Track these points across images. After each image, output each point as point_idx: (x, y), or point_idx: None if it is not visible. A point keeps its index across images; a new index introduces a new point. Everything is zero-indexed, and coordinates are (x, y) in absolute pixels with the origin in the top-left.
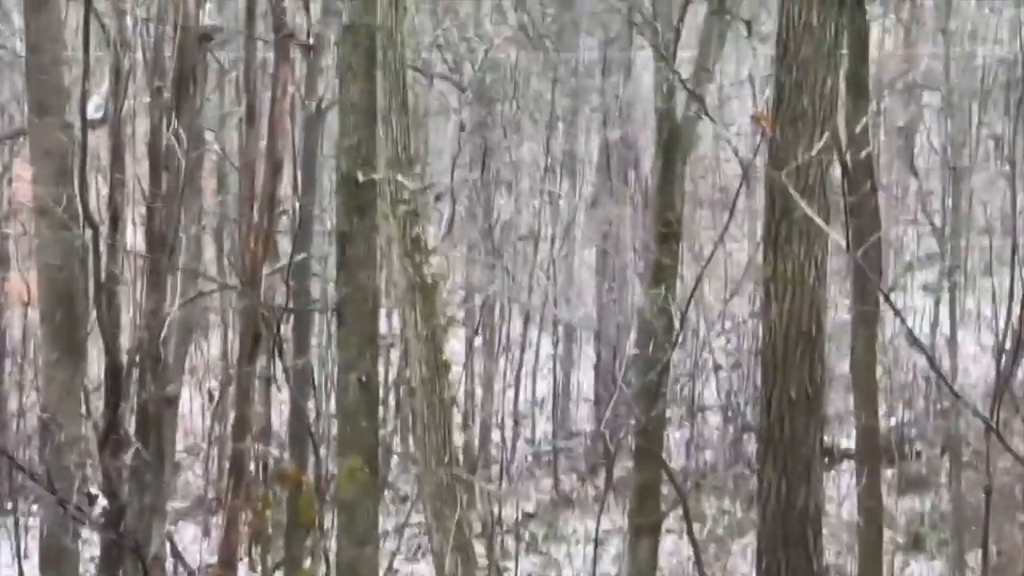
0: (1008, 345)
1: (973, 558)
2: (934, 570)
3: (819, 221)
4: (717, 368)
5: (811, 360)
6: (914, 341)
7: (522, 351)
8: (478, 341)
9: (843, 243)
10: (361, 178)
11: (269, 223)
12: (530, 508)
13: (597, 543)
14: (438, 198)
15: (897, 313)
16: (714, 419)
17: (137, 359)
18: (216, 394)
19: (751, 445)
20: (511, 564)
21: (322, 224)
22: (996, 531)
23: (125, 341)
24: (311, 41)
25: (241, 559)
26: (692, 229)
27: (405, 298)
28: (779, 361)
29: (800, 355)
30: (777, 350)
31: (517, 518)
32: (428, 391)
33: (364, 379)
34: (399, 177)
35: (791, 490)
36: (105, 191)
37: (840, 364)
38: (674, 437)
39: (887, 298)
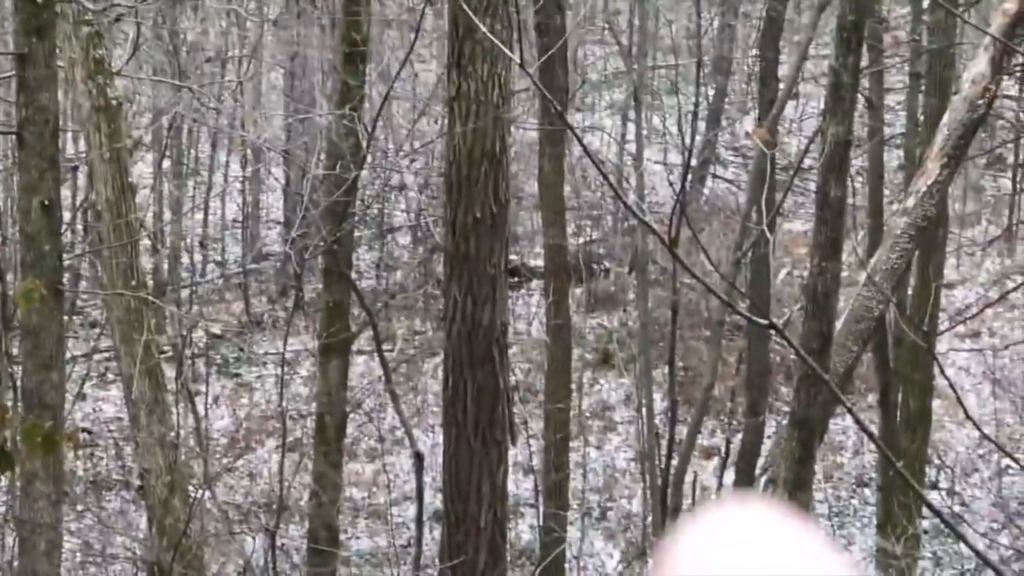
0: (692, 163)
1: (660, 374)
2: (622, 386)
3: (496, 42)
4: (402, 188)
5: (495, 180)
6: (595, 164)
7: (210, 173)
8: (166, 164)
9: (517, 61)
10: None
11: None
12: (219, 331)
13: (284, 364)
14: (118, 19)
15: (576, 136)
16: (404, 240)
17: None
18: None
19: (441, 265)
20: (202, 387)
21: (4, 46)
22: (682, 347)
23: None
24: None
25: None
26: (380, 50)
27: (89, 120)
28: (463, 181)
29: (484, 174)
30: (461, 170)
31: (207, 341)
32: (114, 214)
33: (47, 203)
34: None
35: (477, 309)
36: None
37: (530, 182)
38: (364, 258)
39: (564, 120)
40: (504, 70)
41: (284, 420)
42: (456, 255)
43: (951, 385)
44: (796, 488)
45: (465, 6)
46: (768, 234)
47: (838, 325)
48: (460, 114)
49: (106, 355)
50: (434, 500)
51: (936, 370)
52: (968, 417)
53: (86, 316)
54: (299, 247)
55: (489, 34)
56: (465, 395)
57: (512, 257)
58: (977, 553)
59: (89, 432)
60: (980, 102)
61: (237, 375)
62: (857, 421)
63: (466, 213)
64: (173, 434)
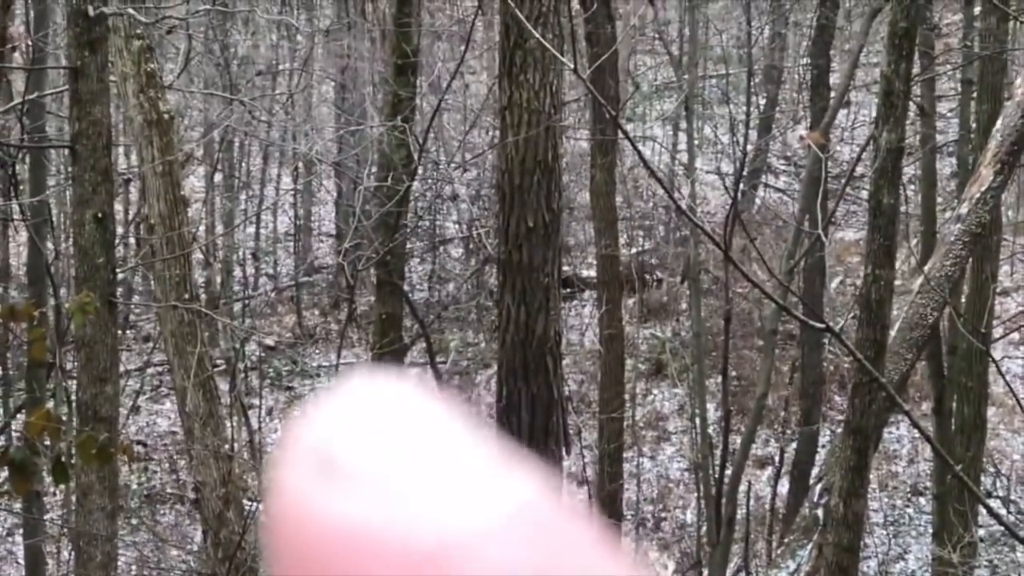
0: (744, 172)
1: (713, 384)
2: (675, 396)
3: (551, 49)
4: (454, 198)
5: (548, 189)
6: (649, 170)
7: (262, 186)
8: (218, 177)
9: (571, 67)
10: (92, 12)
11: (0, 61)
12: (272, 343)
13: (333, 376)
14: (169, 31)
15: (629, 140)
16: (456, 251)
17: None
18: None
19: (493, 276)
20: (256, 400)
21: (56, 61)
22: (735, 357)
23: None
24: None
25: None
26: (430, 61)
27: (141, 134)
28: (516, 190)
29: (537, 184)
30: (514, 179)
31: (260, 354)
32: (166, 227)
33: (100, 215)
34: (131, 11)
35: (530, 319)
36: None
37: (582, 194)
38: (416, 270)
39: (618, 125)
40: (555, 79)
41: None
42: (509, 264)
43: (1010, 388)
44: (851, 496)
45: (509, 16)
46: (823, 239)
47: (892, 333)
48: (512, 123)
49: (160, 368)
50: None
51: (990, 378)
52: None
53: (139, 330)
54: (351, 259)
55: (542, 40)
56: (519, 405)
57: (565, 267)
58: None
59: (144, 445)
60: None
61: (291, 388)
62: (914, 423)
63: (519, 222)
64: (227, 447)
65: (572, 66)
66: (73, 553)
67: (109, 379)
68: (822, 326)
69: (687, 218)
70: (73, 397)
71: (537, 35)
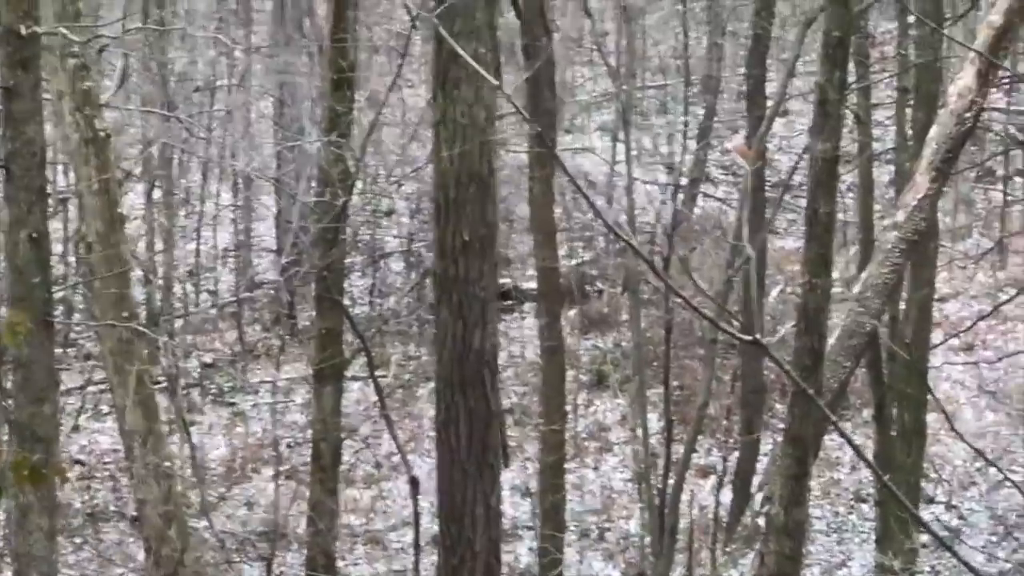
0: (683, 182)
1: (655, 394)
2: (618, 407)
3: (476, 66)
4: (390, 213)
5: (483, 202)
6: (574, 184)
7: (202, 203)
8: (157, 194)
9: (495, 84)
10: (24, 31)
11: None
12: (211, 360)
13: (275, 391)
14: (102, 50)
15: (553, 155)
16: (397, 265)
17: None
18: None
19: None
20: (198, 417)
21: None
22: (677, 367)
23: None
24: None
25: None
26: (368, 76)
27: (78, 152)
28: (451, 204)
29: (472, 197)
30: (449, 193)
31: (201, 371)
32: (104, 246)
33: (35, 235)
34: (63, 30)
35: (467, 332)
36: None
37: (521, 205)
38: (357, 284)
39: (542, 139)
40: (490, 94)
41: (277, 448)
42: (446, 278)
43: (937, 401)
44: (791, 505)
45: (445, 32)
46: (751, 251)
47: (831, 341)
48: (446, 138)
49: (101, 387)
50: (432, 525)
51: (930, 383)
52: (956, 432)
53: (81, 348)
54: (288, 275)
55: (470, 59)
56: (457, 418)
57: (505, 280)
58: (970, 567)
59: (82, 464)
60: (967, 115)
61: (232, 404)
62: (841, 434)
63: (454, 236)
64: (168, 464)
65: (497, 84)
66: (12, 574)
67: (47, 399)
68: (749, 339)
69: (617, 235)
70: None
71: (466, 55)
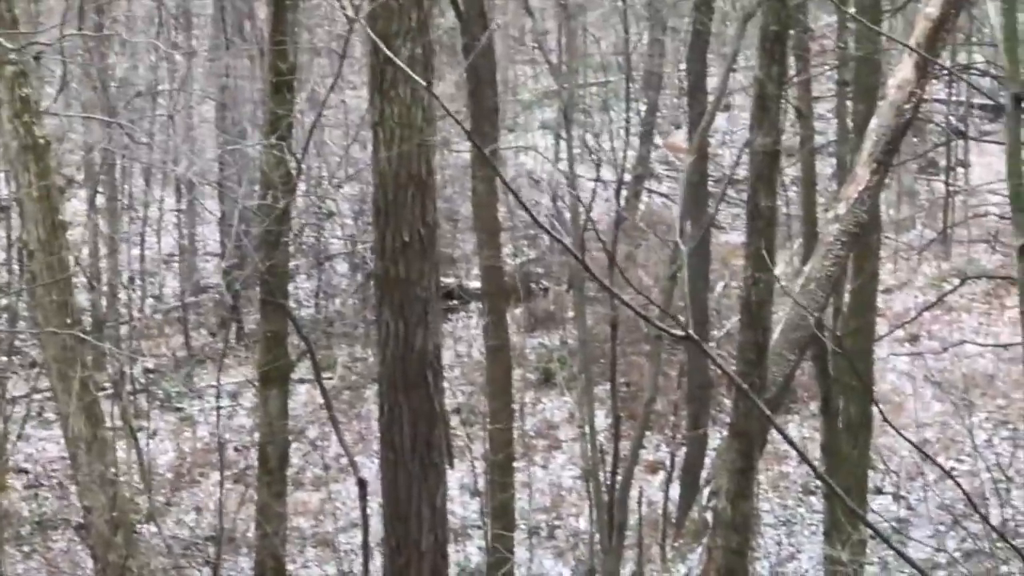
0: (626, 178)
1: (603, 391)
2: (565, 405)
3: (405, 68)
4: (330, 215)
5: (422, 203)
6: (504, 184)
7: (145, 208)
8: (99, 200)
9: (423, 85)
10: None
11: None
12: (154, 365)
13: (219, 396)
14: (37, 57)
15: (486, 158)
16: (341, 267)
17: None
18: None
19: None
20: (145, 423)
21: None
22: (623, 363)
23: None
24: None
25: None
26: (309, 78)
27: (17, 160)
28: (390, 205)
29: (411, 198)
30: (387, 194)
31: (147, 376)
32: (46, 252)
33: None
34: (0, 37)
35: (409, 332)
36: None
37: (465, 205)
38: (302, 287)
39: (472, 141)
40: (427, 94)
41: (222, 452)
42: (386, 279)
43: (870, 393)
44: (738, 499)
45: (378, 33)
46: (683, 248)
47: (775, 335)
48: (384, 139)
49: (47, 395)
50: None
51: (876, 375)
52: (891, 426)
53: (26, 356)
54: (230, 279)
55: (398, 61)
56: (401, 419)
57: (449, 279)
58: (908, 560)
59: (27, 472)
60: (907, 107)
61: (179, 409)
62: (778, 429)
63: (394, 237)
64: (114, 471)
65: (425, 84)
66: None
67: None
68: (681, 334)
69: (549, 234)
70: None
71: (397, 60)
